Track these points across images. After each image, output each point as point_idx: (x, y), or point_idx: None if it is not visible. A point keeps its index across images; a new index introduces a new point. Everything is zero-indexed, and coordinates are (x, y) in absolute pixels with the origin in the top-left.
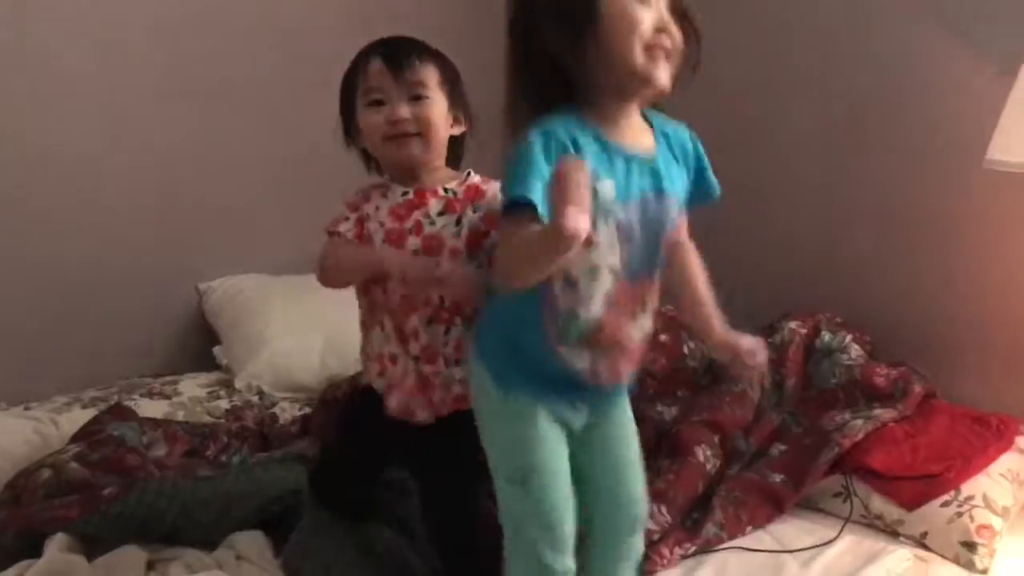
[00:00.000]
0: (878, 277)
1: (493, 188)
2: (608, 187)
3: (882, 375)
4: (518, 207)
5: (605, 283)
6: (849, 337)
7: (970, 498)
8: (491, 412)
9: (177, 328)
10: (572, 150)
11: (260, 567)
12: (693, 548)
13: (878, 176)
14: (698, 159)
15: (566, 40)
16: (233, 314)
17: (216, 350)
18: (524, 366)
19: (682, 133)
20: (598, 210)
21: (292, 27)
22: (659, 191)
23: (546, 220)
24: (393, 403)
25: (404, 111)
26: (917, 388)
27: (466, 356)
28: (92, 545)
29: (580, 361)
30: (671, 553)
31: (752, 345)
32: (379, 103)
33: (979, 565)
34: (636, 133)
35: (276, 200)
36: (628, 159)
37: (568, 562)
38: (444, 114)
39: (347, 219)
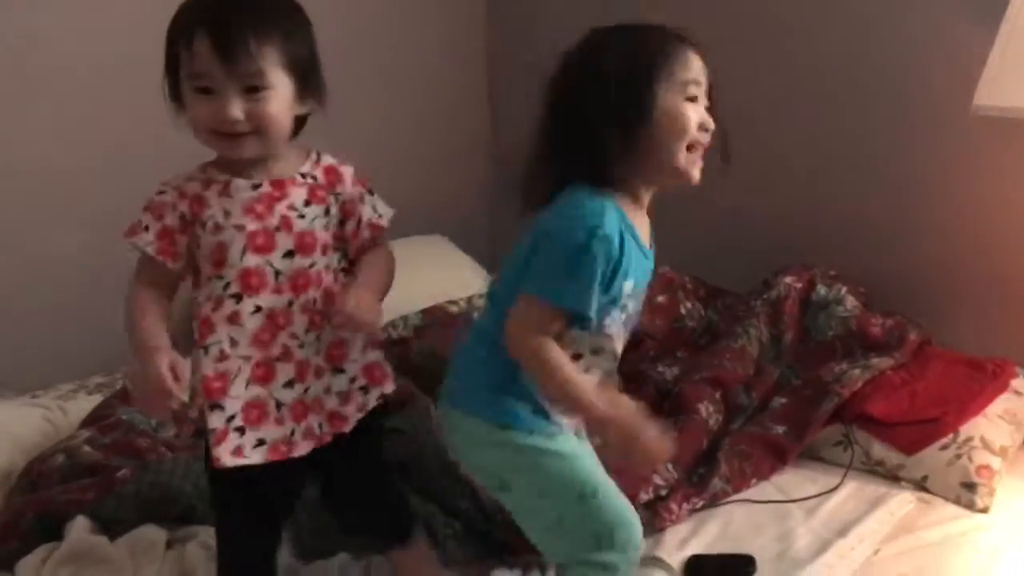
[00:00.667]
0: (870, 228)
1: (348, 172)
2: (629, 285)
3: (877, 325)
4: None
5: (607, 363)
6: (844, 289)
7: (968, 440)
8: (544, 459)
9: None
10: (616, 260)
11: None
12: (701, 503)
13: (868, 127)
14: None
15: (616, 133)
16: None
17: None
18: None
19: None
20: (619, 305)
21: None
22: (654, 272)
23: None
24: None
25: (236, 110)
26: (912, 336)
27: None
28: (110, 526)
29: (568, 421)
30: (679, 508)
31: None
32: (207, 91)
33: (979, 504)
34: (645, 220)
35: None
36: (644, 255)
37: None
38: (288, 102)
39: (146, 228)
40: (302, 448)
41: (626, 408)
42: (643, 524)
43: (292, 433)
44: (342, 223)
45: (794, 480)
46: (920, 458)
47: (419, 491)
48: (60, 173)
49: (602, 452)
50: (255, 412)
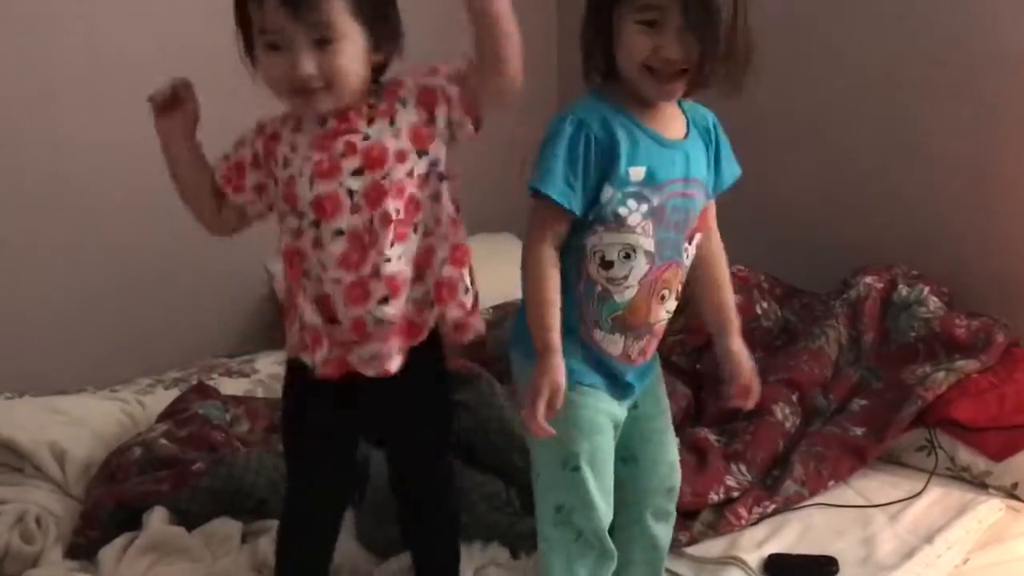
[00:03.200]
0: (953, 226)
1: (405, 74)
2: (639, 172)
3: (962, 326)
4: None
5: (640, 265)
6: (927, 289)
7: None
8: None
9: (249, 308)
10: (604, 142)
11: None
12: (773, 506)
13: (950, 121)
14: (718, 146)
15: (597, 45)
16: None
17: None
18: (568, 352)
19: (707, 119)
20: (630, 193)
21: None
22: (687, 177)
23: (570, 208)
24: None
25: (308, 65)
26: (1000, 338)
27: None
28: (185, 518)
29: (614, 347)
30: (748, 512)
31: (751, 377)
32: (277, 47)
33: None
34: (669, 118)
35: None
36: (660, 145)
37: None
38: (360, 53)
39: (225, 157)
40: (394, 364)
41: (547, 375)
42: (707, 528)
43: (393, 350)
44: (430, 119)
45: (875, 485)
46: (1009, 464)
47: (483, 465)
48: (138, 172)
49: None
50: (357, 330)
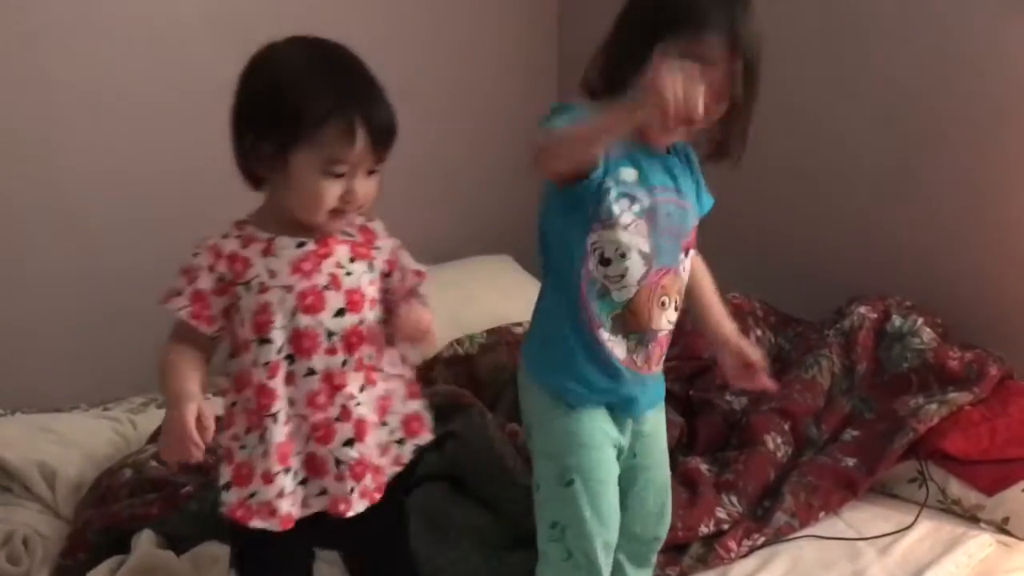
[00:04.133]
0: (948, 257)
1: (380, 227)
2: (631, 173)
3: (956, 358)
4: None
5: (636, 266)
6: (920, 320)
7: None
8: (543, 421)
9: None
10: None
11: (332, 563)
12: (763, 539)
13: (946, 154)
14: (694, 176)
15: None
16: None
17: None
18: (567, 367)
19: (686, 147)
20: (623, 192)
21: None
22: (678, 188)
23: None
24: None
25: (364, 190)
26: (993, 370)
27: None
28: (175, 541)
29: (619, 349)
30: (738, 545)
31: (759, 358)
32: (342, 175)
33: None
34: (660, 140)
35: None
36: (649, 155)
37: (607, 570)
38: None
39: (178, 293)
40: (358, 506)
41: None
42: (696, 561)
43: (351, 491)
44: (386, 275)
45: (866, 517)
46: (1001, 498)
47: (471, 497)
48: (136, 192)
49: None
50: (315, 466)
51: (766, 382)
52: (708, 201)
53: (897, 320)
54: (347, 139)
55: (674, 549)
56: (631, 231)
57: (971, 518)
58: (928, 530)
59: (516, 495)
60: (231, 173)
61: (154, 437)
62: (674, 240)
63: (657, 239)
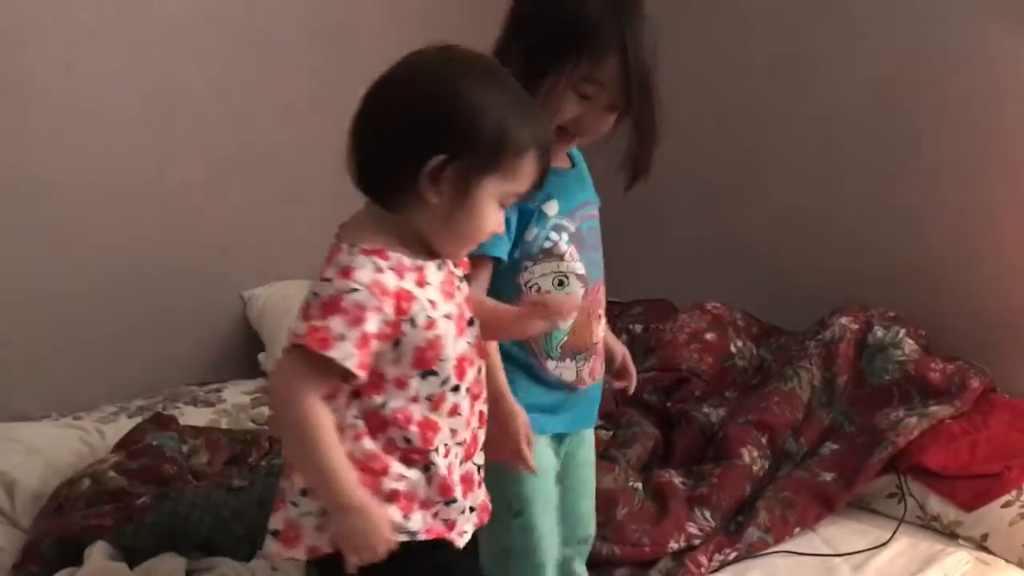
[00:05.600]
0: (933, 268)
1: None
2: (552, 206)
3: (937, 370)
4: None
5: (575, 290)
6: (903, 332)
7: None
8: None
9: (223, 336)
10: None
11: None
12: (734, 554)
13: (929, 162)
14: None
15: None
16: (276, 320)
17: (261, 357)
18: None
19: (577, 151)
20: (550, 227)
21: (334, 26)
22: (589, 200)
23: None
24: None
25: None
26: (975, 383)
27: None
28: (131, 553)
29: (568, 373)
30: (709, 560)
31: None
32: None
33: None
34: (559, 153)
35: (319, 204)
36: (563, 175)
37: None
38: None
39: (341, 337)
40: (486, 516)
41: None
42: None
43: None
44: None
45: (842, 533)
46: (980, 515)
47: None
48: (112, 194)
49: None
50: (467, 483)
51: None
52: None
53: (879, 331)
54: (533, 173)
55: (642, 565)
56: (568, 258)
57: (950, 534)
58: (904, 547)
59: None
60: (204, 180)
61: (120, 446)
62: (597, 251)
63: (586, 257)
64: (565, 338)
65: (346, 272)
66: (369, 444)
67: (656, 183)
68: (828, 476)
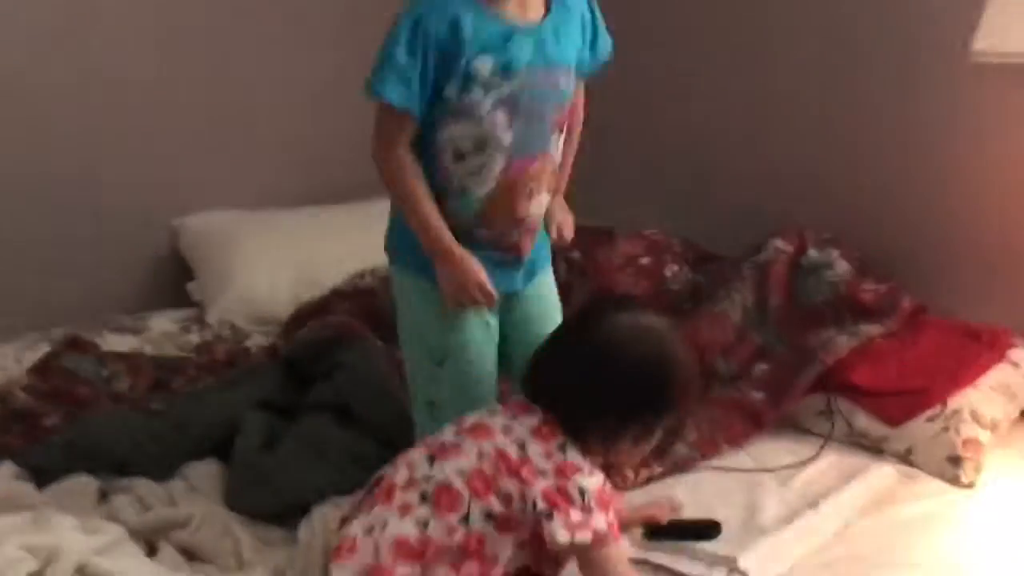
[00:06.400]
0: (867, 188)
1: None
2: (485, 64)
3: (870, 290)
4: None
5: (495, 159)
6: (836, 253)
7: (957, 412)
8: (413, 303)
9: (152, 266)
10: (444, 39)
11: (211, 497)
12: (660, 470)
13: (862, 84)
14: (594, 21)
15: None
16: (206, 250)
17: (190, 286)
18: None
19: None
20: (478, 84)
21: None
22: (548, 64)
23: (408, 109)
24: None
25: None
26: (906, 303)
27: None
28: (41, 474)
29: (485, 240)
30: (635, 475)
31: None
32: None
33: (964, 479)
34: (526, 3)
35: (251, 133)
36: (511, 31)
37: None
38: None
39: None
40: None
41: (461, 273)
42: None
43: None
44: None
45: (770, 450)
46: (905, 430)
47: (358, 425)
48: (25, 119)
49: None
50: None
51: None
52: (605, 45)
53: (813, 253)
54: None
55: None
56: (488, 123)
57: (876, 450)
58: (831, 462)
59: (400, 422)
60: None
61: (33, 369)
62: (542, 122)
63: (521, 127)
64: (482, 206)
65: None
66: None
67: (608, 115)
68: (758, 395)
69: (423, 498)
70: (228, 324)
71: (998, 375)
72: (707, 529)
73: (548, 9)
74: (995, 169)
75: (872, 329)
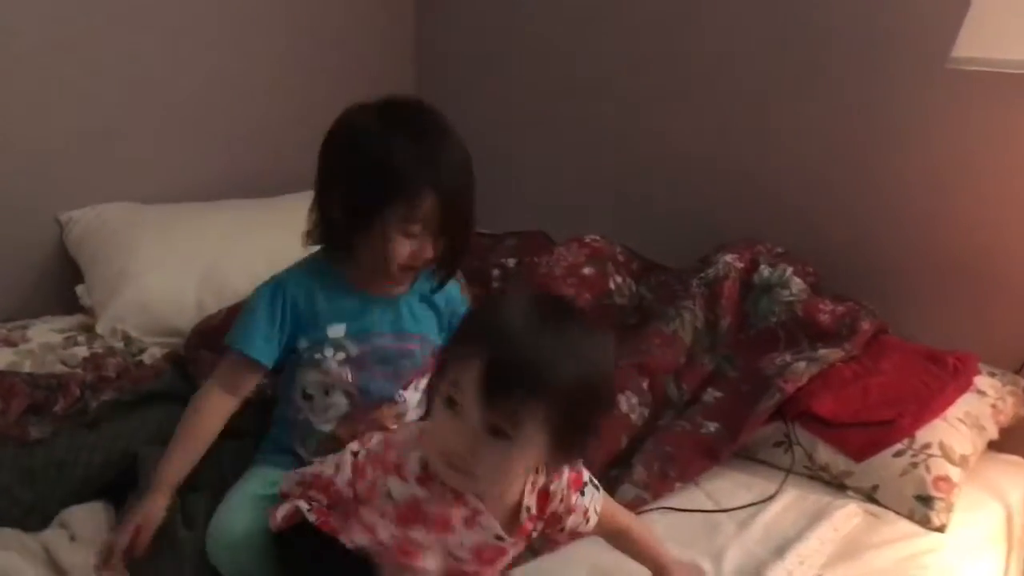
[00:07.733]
0: (825, 200)
1: None
2: (338, 330)
3: (827, 311)
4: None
5: (339, 403)
6: (790, 270)
7: (926, 447)
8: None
9: (36, 265)
10: (301, 306)
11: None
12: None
13: (813, 94)
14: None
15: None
16: (97, 248)
17: (79, 289)
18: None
19: (453, 289)
20: (328, 344)
21: None
22: (399, 332)
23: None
24: None
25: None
26: (866, 325)
27: None
28: None
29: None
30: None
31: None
32: None
33: (936, 521)
34: (401, 281)
35: (147, 122)
36: (367, 301)
37: None
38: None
39: None
40: None
41: (143, 513)
42: (528, 553)
43: None
44: None
45: (727, 485)
46: (870, 465)
47: None
48: None
49: None
50: None
51: None
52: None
53: (765, 270)
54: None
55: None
56: (334, 376)
57: (838, 486)
58: (792, 499)
59: None
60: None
61: None
62: (389, 380)
63: (365, 378)
64: (324, 440)
65: None
66: None
67: (542, 113)
68: (712, 426)
69: None
70: (121, 334)
71: (966, 405)
72: None
73: (411, 289)
74: (962, 182)
75: (832, 354)
